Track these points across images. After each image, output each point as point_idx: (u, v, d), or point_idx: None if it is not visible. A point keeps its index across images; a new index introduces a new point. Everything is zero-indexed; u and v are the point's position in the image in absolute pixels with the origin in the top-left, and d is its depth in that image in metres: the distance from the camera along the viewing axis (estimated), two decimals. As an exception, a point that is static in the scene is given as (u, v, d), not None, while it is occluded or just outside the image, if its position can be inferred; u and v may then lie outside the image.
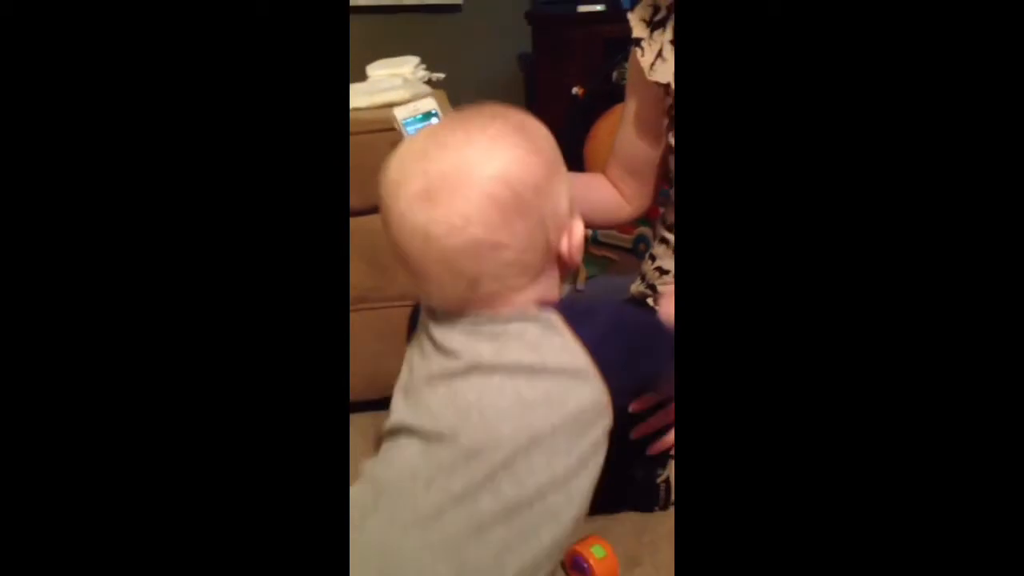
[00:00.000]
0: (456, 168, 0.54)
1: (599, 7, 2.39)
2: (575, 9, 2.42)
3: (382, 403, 1.09)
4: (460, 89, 1.31)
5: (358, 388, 1.03)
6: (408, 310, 1.03)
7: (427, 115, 0.93)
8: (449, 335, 0.57)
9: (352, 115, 1.02)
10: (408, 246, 0.55)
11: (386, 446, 0.60)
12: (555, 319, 0.57)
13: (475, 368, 0.56)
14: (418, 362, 0.60)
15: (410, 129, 0.91)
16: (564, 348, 0.56)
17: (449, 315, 0.58)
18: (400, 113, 0.91)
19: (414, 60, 1.39)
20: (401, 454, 0.57)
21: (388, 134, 0.93)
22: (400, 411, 0.59)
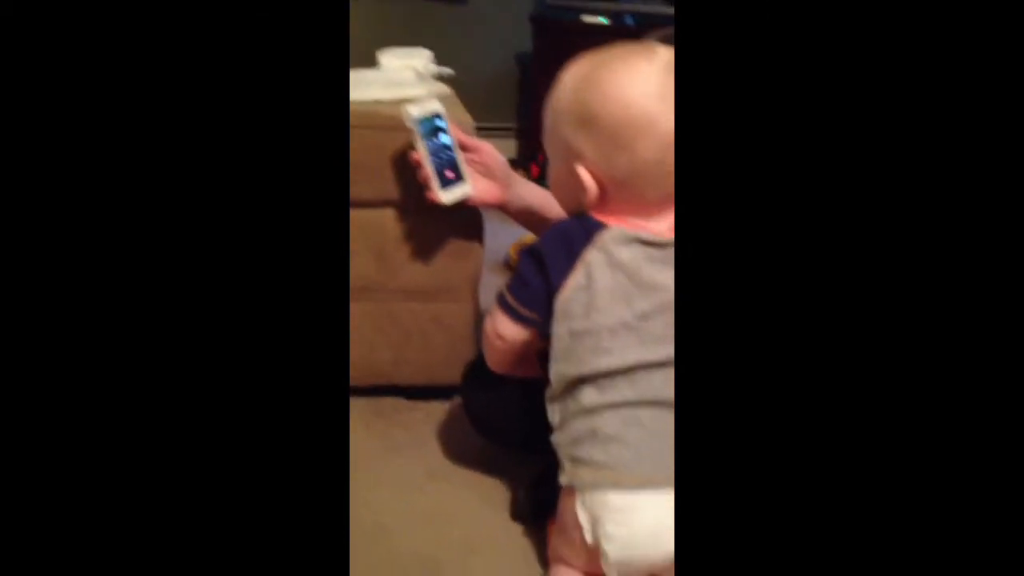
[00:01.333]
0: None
1: (603, 20, 2.41)
2: (579, 17, 2.44)
3: (374, 390, 1.12)
4: (457, 80, 1.34)
5: (353, 375, 1.05)
6: (410, 304, 1.05)
7: (434, 116, 0.94)
8: (651, 271, 0.69)
9: (372, 107, 1.03)
10: (654, 133, 0.68)
11: (626, 380, 0.68)
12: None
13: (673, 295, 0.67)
14: (626, 305, 0.69)
15: (420, 128, 0.93)
16: None
17: (645, 247, 0.69)
18: (414, 111, 0.93)
19: (427, 54, 1.39)
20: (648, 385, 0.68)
21: (402, 132, 0.95)
22: (633, 351, 0.68)
